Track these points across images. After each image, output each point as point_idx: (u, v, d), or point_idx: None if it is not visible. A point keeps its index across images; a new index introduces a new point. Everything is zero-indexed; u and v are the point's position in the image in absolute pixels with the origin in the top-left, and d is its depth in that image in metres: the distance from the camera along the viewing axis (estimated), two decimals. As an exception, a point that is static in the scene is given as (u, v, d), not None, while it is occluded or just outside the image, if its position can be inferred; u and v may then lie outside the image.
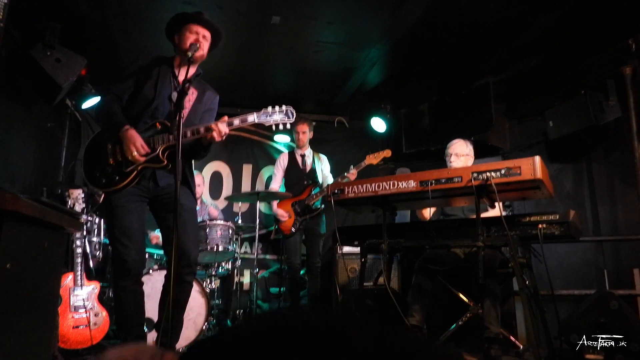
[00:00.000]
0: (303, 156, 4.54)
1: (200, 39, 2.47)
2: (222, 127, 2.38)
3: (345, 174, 4.16)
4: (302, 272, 4.48)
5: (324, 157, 4.66)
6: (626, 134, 3.71)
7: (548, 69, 4.30)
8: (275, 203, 4.40)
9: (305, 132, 4.49)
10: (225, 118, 2.42)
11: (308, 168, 4.50)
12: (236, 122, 2.45)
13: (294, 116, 2.52)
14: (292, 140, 5.39)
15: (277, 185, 4.55)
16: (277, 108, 2.50)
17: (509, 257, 2.54)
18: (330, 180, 4.48)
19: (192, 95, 2.55)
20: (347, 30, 3.90)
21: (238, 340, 1.13)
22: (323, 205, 4.38)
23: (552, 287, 2.54)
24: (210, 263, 4.09)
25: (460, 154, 3.37)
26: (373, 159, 4.26)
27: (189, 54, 2.35)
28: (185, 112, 2.42)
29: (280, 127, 2.51)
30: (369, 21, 3.73)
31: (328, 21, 3.74)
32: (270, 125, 2.50)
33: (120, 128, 2.38)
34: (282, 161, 4.61)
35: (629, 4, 3.33)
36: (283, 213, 4.32)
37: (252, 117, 2.47)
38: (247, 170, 5.65)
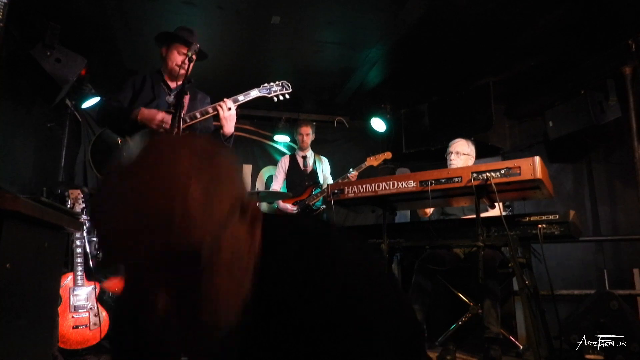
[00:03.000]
0: (304, 157, 4.57)
1: (186, 60, 2.57)
2: (227, 103, 2.49)
3: (347, 174, 4.18)
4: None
5: (324, 159, 4.69)
6: (626, 134, 3.71)
7: (548, 69, 4.30)
8: (280, 201, 4.43)
9: (309, 134, 4.55)
10: (225, 99, 2.53)
11: (309, 169, 4.54)
12: (241, 97, 2.62)
13: (290, 88, 2.70)
14: (292, 141, 5.40)
15: (278, 186, 4.58)
16: (273, 83, 2.68)
17: (509, 257, 2.54)
18: (330, 181, 4.50)
19: (185, 97, 2.63)
20: (347, 30, 3.89)
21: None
22: (324, 206, 4.39)
23: (552, 287, 2.54)
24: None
25: (461, 152, 3.37)
26: (374, 160, 4.28)
27: (189, 53, 2.45)
28: (184, 113, 2.49)
29: (280, 97, 2.73)
30: (369, 21, 3.72)
31: (328, 21, 3.74)
32: (272, 98, 2.71)
33: (132, 113, 2.45)
34: (284, 164, 4.64)
35: (629, 4, 3.33)
36: (291, 207, 4.33)
37: (255, 92, 2.69)
38: (247, 170, 5.65)
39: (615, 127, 3.88)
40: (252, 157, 5.68)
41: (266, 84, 2.69)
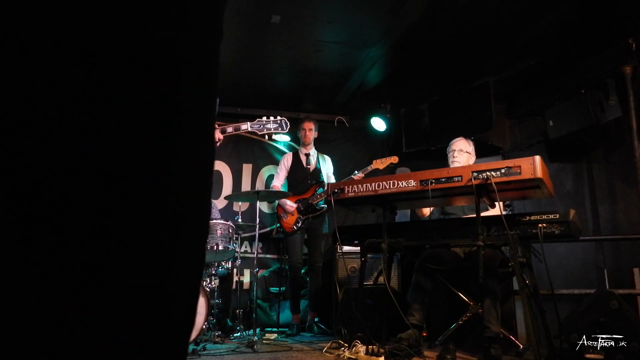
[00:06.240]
0: (307, 155, 4.53)
1: None
2: (215, 134, 2.44)
3: (352, 176, 4.17)
4: (302, 270, 4.49)
5: (327, 158, 4.67)
6: (626, 133, 3.71)
7: (548, 68, 4.30)
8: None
9: (312, 129, 4.50)
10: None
11: (312, 167, 4.50)
12: (229, 129, 2.52)
13: (288, 127, 2.60)
14: (293, 139, 5.40)
15: (279, 183, 4.54)
16: (271, 118, 2.58)
17: (509, 256, 2.54)
18: (333, 180, 4.48)
19: None
20: (347, 30, 3.90)
21: None
22: (326, 206, 4.37)
23: (552, 287, 2.54)
24: (210, 262, 4.09)
25: (464, 150, 3.39)
26: (380, 164, 4.27)
27: None
28: None
29: (274, 137, 2.60)
30: (369, 21, 3.73)
31: (328, 20, 3.74)
32: (264, 135, 2.57)
33: None
34: (286, 161, 4.59)
35: (629, 3, 3.34)
36: (291, 203, 4.31)
37: (246, 126, 2.56)
38: (247, 169, 5.64)
39: (615, 127, 3.88)
40: (252, 156, 5.67)
41: (262, 119, 2.59)
